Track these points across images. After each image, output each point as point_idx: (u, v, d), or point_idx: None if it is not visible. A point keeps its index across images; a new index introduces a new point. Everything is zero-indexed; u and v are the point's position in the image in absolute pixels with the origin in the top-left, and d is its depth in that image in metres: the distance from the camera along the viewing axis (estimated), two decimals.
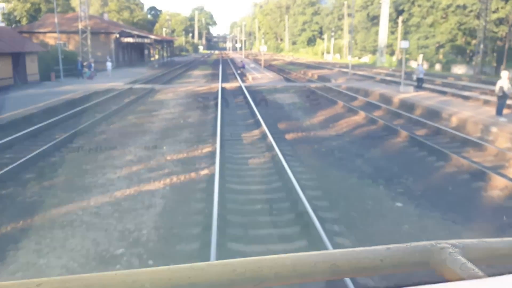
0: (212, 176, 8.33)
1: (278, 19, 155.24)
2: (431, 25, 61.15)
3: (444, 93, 21.22)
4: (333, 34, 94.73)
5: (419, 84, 21.79)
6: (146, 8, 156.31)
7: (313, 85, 27.51)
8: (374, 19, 74.53)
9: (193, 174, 8.85)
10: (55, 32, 48.99)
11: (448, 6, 56.40)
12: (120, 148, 11.19)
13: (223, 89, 26.04)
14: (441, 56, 64.81)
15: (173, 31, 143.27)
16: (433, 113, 15.76)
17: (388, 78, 35.34)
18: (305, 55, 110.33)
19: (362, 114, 16.16)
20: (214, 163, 9.09)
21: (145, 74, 39.14)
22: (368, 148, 11.45)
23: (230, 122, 15.35)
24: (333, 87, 26.05)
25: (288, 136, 12.81)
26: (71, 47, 47.29)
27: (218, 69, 47.09)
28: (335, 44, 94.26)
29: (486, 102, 17.40)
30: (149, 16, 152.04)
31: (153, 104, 20.72)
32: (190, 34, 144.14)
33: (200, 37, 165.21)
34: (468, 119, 13.99)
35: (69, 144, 11.83)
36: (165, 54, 79.56)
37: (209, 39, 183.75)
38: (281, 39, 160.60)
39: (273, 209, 7.08)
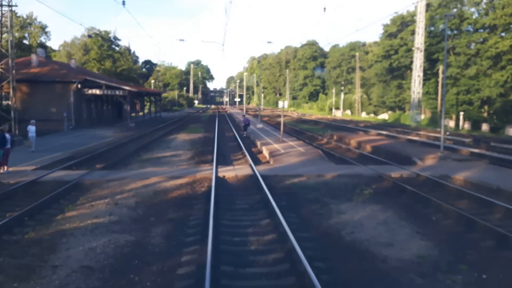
0: None
1: (278, 73, 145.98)
2: (474, 77, 49.51)
3: None
4: (342, 88, 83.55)
5: None
6: (141, 61, 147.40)
7: (393, 174, 13.85)
8: (395, 71, 63.14)
9: None
10: None
11: (504, 53, 44.68)
12: None
13: (219, 185, 12.34)
14: (485, 114, 52.66)
15: (167, 85, 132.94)
16: None
17: (477, 151, 22.00)
18: (309, 111, 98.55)
19: None
20: None
21: (102, 142, 25.54)
22: None
23: None
24: (442, 182, 12.45)
25: None
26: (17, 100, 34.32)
27: (213, 131, 33.71)
28: (345, 99, 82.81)
29: None
30: (144, 69, 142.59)
31: (7, 276, 6.80)
32: (185, 88, 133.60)
33: (196, 91, 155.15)
34: None
35: None
36: (153, 109, 67.05)
37: (206, 93, 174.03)
38: (280, 94, 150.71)
39: None
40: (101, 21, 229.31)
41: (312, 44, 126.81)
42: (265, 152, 19.34)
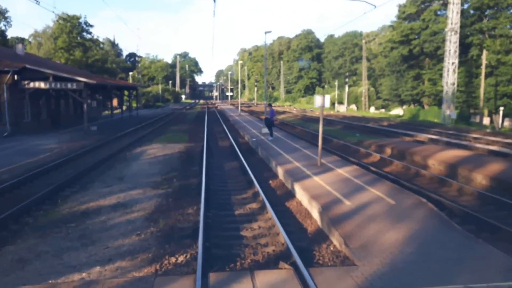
0: None
1: (270, 66, 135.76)
2: None
3: None
4: (346, 80, 73.87)
5: None
6: (125, 54, 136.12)
7: None
8: (411, 59, 53.67)
9: None
10: None
11: None
12: None
13: None
14: None
15: (152, 79, 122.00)
16: None
17: None
18: (308, 106, 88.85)
19: None
20: None
21: (26, 162, 15.43)
22: None
23: None
24: None
25: None
26: None
27: (201, 138, 23.89)
28: (349, 92, 73.09)
29: None
30: (128, 63, 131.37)
31: None
32: (171, 82, 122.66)
33: (183, 86, 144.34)
34: None
35: None
36: (135, 105, 57.18)
37: (194, 88, 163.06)
38: (273, 87, 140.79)
39: None
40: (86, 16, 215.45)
41: (308, 33, 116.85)
42: (303, 198, 9.46)
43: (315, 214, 8.32)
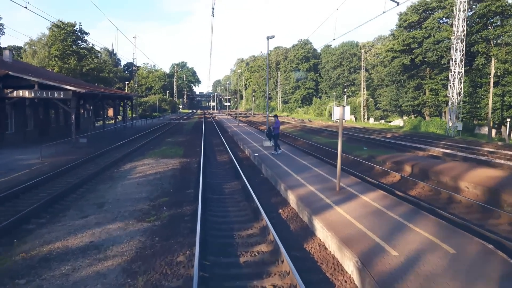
0: None
1: (268, 75, 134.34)
2: None
3: None
4: (345, 90, 72.03)
5: None
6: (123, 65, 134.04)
7: None
8: (412, 69, 51.90)
9: None
10: None
11: None
12: None
13: None
14: None
15: (150, 88, 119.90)
16: None
17: None
18: (305, 116, 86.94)
19: None
20: None
21: None
22: None
23: None
24: None
25: None
26: None
27: (198, 152, 21.70)
28: (347, 102, 71.19)
29: None
30: (125, 73, 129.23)
31: None
32: (168, 92, 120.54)
33: (181, 96, 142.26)
34: None
35: None
36: (132, 115, 55.23)
37: (191, 98, 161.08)
38: (270, 98, 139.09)
39: None
40: (85, 28, 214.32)
41: (305, 43, 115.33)
42: (328, 241, 7.21)
43: (350, 268, 6.09)
